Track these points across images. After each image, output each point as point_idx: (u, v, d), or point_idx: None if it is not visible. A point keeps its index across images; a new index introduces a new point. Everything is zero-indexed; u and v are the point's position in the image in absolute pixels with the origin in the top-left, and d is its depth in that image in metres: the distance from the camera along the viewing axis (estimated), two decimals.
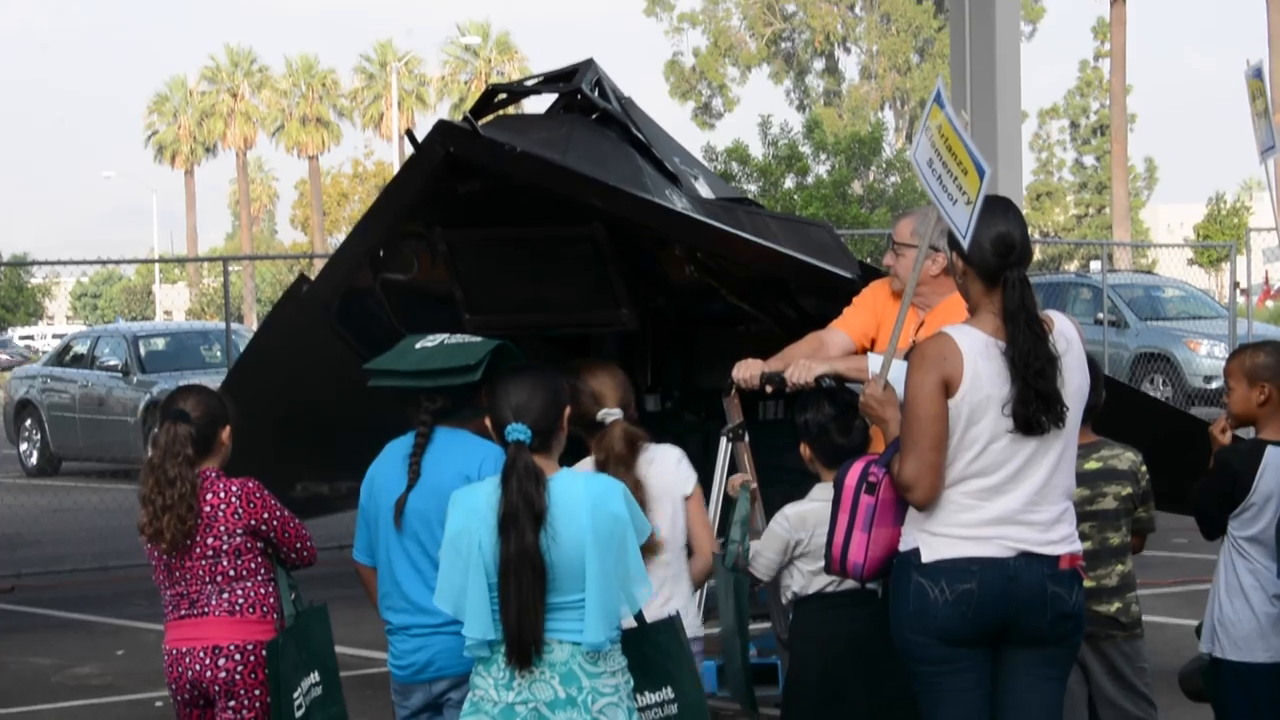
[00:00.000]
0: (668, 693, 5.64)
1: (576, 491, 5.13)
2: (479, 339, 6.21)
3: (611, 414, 6.27)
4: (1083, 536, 6.37)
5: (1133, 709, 6.78)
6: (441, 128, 7.83)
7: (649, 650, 5.51)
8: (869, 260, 32.24)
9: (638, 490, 6.01)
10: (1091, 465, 6.54)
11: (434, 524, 5.90)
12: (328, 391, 8.78)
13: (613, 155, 8.49)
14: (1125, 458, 6.66)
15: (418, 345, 6.10)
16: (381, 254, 8.53)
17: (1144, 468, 6.72)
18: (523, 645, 5.05)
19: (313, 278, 9.01)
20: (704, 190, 9.04)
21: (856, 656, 6.21)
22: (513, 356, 6.03)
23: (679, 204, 8.42)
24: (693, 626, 6.26)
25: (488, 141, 7.73)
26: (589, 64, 9.11)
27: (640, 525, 5.19)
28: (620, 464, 6.19)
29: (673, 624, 5.75)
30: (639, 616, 5.49)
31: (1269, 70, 51.37)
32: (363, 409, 6.43)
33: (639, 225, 8.20)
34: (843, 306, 7.32)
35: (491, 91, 9.23)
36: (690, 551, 6.46)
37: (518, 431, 5.15)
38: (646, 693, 5.53)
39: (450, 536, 5.18)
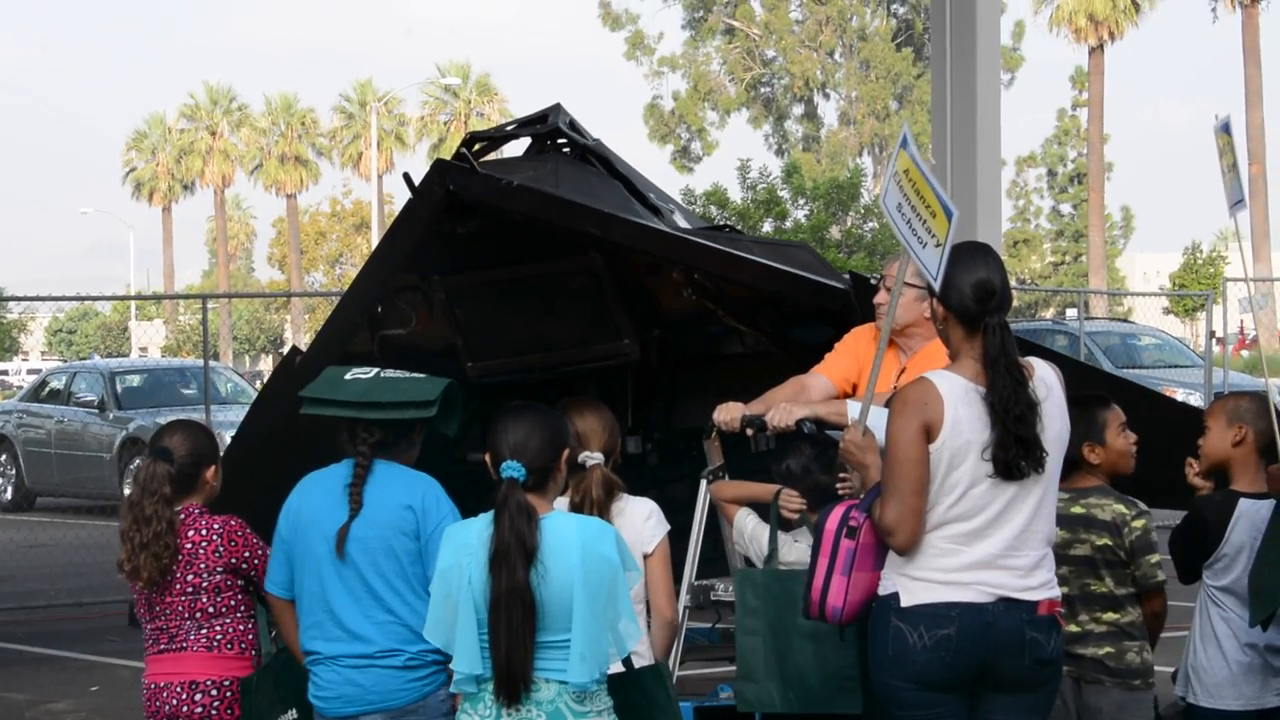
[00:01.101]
0: None
1: (568, 532, 5.16)
2: (420, 375, 6.26)
3: (592, 458, 6.24)
4: (1061, 581, 6.35)
5: None
6: (439, 166, 7.85)
7: (635, 696, 5.51)
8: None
9: None
10: (1076, 510, 6.49)
11: (376, 553, 5.93)
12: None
13: (601, 188, 8.54)
14: (1110, 509, 6.51)
15: (348, 376, 6.14)
16: (379, 310, 8.54)
17: (1136, 522, 6.49)
18: (511, 681, 5.06)
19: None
20: (681, 222, 9.09)
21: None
22: (457, 396, 6.13)
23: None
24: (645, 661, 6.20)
25: (485, 177, 7.77)
26: (557, 108, 9.16)
27: (630, 568, 5.22)
28: (598, 509, 6.19)
29: (659, 671, 5.76)
30: (626, 662, 5.52)
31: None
32: None
33: (635, 253, 8.24)
34: (834, 331, 7.36)
35: (471, 140, 9.28)
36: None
37: (512, 469, 5.18)
38: None
39: (441, 571, 5.20)
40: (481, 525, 5.19)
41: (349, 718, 5.99)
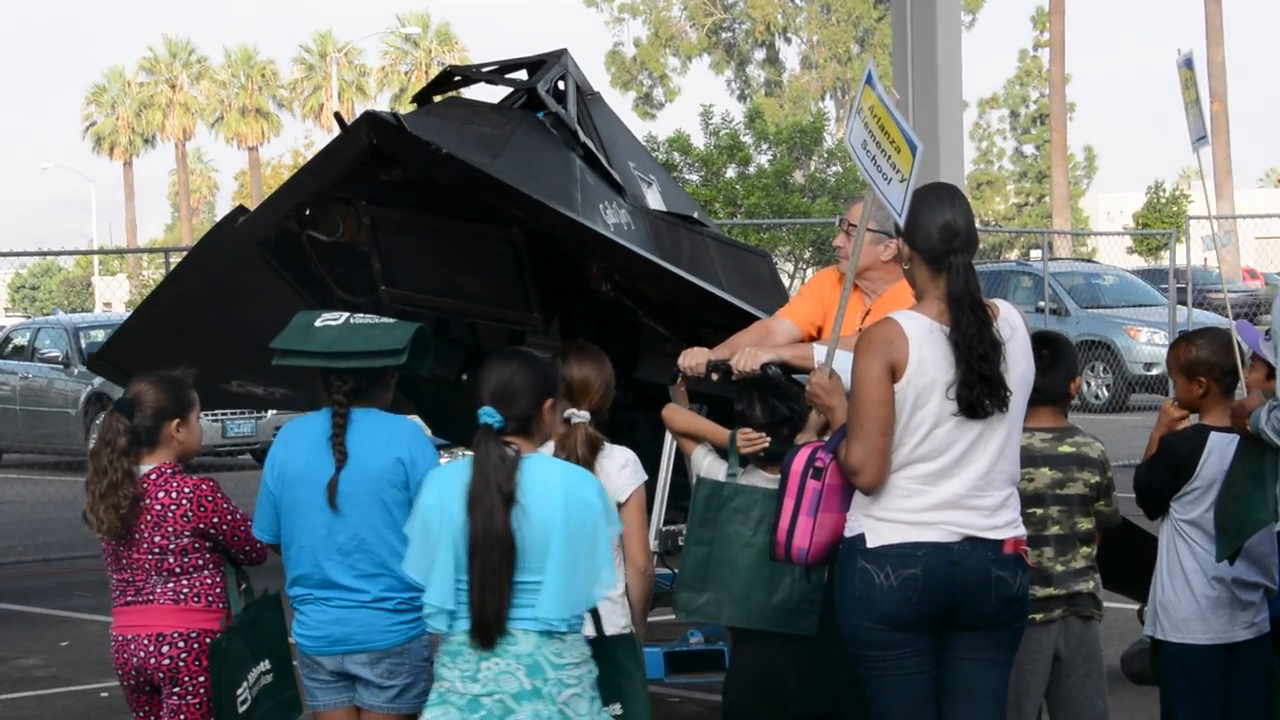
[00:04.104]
0: (616, 709, 5.69)
1: (552, 475, 5.17)
2: (390, 320, 6.26)
3: (578, 416, 6.18)
4: (1052, 521, 6.45)
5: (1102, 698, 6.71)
6: (368, 119, 7.75)
7: (605, 665, 5.50)
8: (810, 250, 32.38)
9: None
10: (1065, 449, 6.55)
11: (367, 505, 5.98)
12: (262, 316, 8.69)
13: (549, 163, 8.46)
14: (1095, 446, 6.66)
15: (318, 324, 6.14)
16: (308, 213, 8.50)
17: (1108, 459, 6.70)
18: (485, 623, 5.06)
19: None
20: (654, 199, 8.98)
21: (788, 641, 6.26)
22: (427, 339, 6.15)
23: (611, 219, 8.38)
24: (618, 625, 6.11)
25: (412, 138, 7.64)
26: (561, 54, 9.06)
27: (612, 520, 5.22)
28: (582, 466, 6.16)
29: (631, 640, 5.81)
30: (599, 627, 5.55)
31: (1207, 61, 51.76)
32: None
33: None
34: None
35: (450, 74, 9.23)
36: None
37: (487, 415, 5.18)
38: None
39: (422, 509, 5.22)
40: (466, 466, 5.19)
41: (332, 655, 6.04)
